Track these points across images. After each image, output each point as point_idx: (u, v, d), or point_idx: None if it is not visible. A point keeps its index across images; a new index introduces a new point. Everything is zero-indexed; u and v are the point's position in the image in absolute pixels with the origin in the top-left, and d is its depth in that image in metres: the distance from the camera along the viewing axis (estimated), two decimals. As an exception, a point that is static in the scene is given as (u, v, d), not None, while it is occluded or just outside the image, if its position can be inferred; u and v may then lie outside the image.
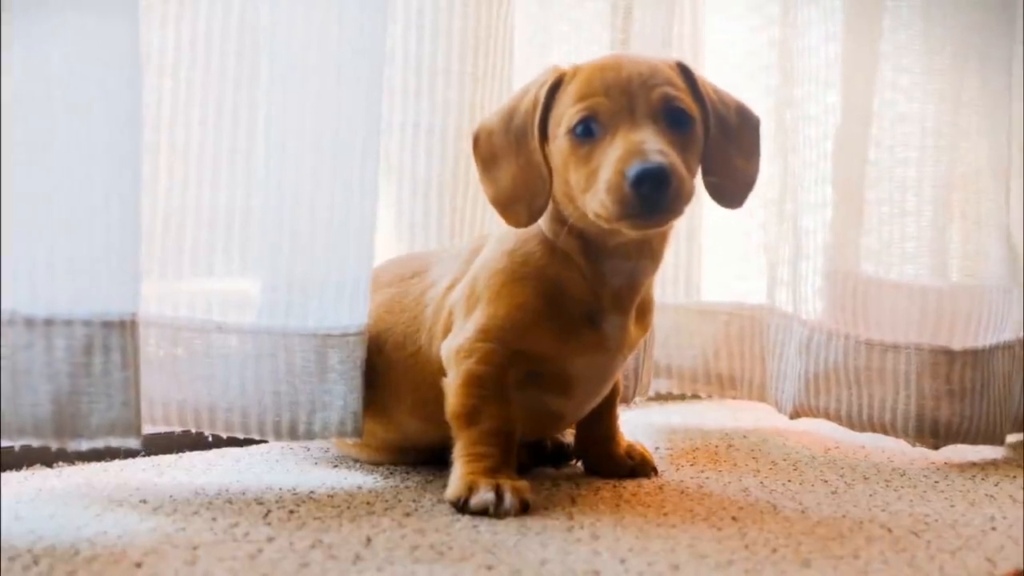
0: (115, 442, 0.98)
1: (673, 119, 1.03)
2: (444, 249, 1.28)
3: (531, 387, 1.10)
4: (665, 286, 1.56)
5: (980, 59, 1.41)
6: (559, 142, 1.05)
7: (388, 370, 1.16)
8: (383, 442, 1.21)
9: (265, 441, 1.26)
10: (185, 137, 1.13)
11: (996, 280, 1.43)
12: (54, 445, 0.96)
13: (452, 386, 1.09)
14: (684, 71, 1.08)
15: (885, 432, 1.38)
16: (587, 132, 1.03)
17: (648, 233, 1.06)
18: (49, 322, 0.96)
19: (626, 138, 1.00)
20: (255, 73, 1.13)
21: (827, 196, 1.43)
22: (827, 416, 1.41)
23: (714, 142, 1.08)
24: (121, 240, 0.99)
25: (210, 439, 1.26)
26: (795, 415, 1.44)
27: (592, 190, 1.01)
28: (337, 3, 1.11)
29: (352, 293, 1.14)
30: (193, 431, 1.15)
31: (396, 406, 1.17)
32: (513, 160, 1.08)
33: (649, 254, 1.10)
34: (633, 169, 0.97)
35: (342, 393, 1.13)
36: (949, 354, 1.36)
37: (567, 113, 1.04)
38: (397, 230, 1.37)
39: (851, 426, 1.40)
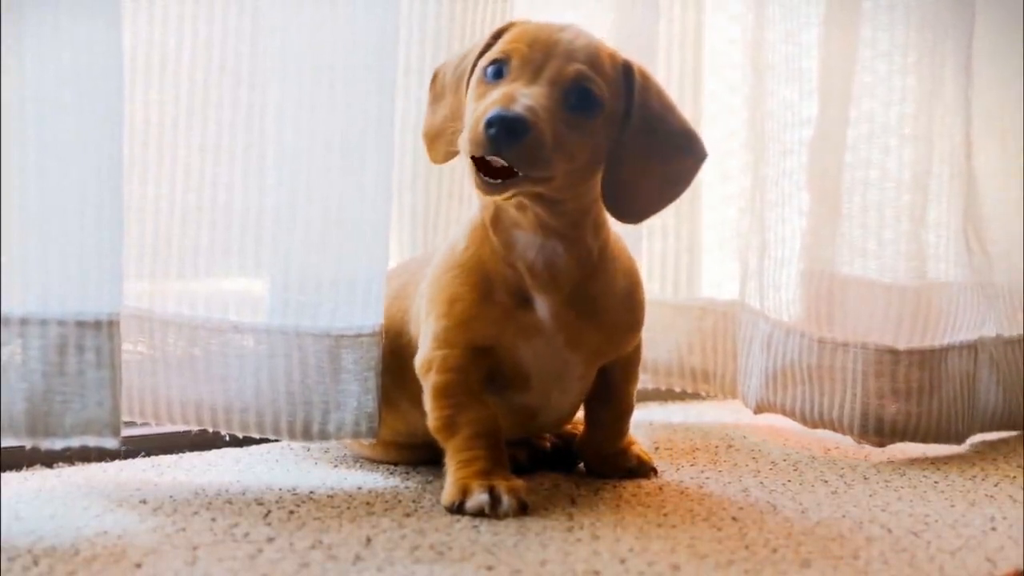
0: (91, 441, 0.98)
1: (578, 98, 1.02)
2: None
3: (496, 385, 1.10)
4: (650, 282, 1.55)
5: (954, 61, 1.41)
6: (473, 79, 1.06)
7: (393, 358, 1.16)
8: (394, 436, 1.21)
9: (268, 440, 1.26)
10: (201, 138, 1.14)
11: (952, 280, 1.43)
12: (28, 444, 0.96)
13: (426, 401, 1.09)
14: (626, 71, 1.07)
15: (834, 429, 1.39)
16: (496, 74, 1.03)
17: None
18: (24, 321, 0.96)
19: (510, 87, 1.00)
20: (267, 73, 1.13)
21: (791, 192, 1.43)
22: (784, 412, 1.43)
23: (630, 148, 1.06)
24: (99, 241, 0.98)
25: (198, 434, 1.25)
26: (758, 410, 1.45)
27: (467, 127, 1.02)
28: (348, 0, 1.11)
29: (365, 293, 1.14)
30: (210, 430, 1.15)
31: (400, 395, 1.17)
32: (451, 98, 1.10)
33: (554, 234, 1.07)
34: (492, 111, 0.97)
35: (356, 394, 1.13)
36: (894, 353, 1.36)
37: (489, 53, 1.05)
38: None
39: (804, 422, 1.41)
